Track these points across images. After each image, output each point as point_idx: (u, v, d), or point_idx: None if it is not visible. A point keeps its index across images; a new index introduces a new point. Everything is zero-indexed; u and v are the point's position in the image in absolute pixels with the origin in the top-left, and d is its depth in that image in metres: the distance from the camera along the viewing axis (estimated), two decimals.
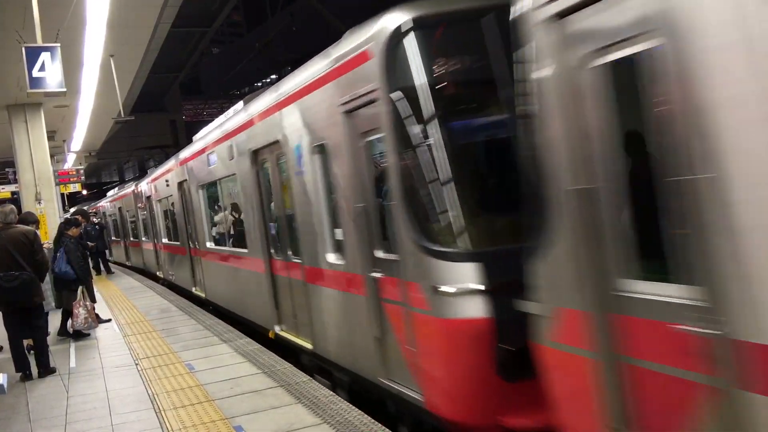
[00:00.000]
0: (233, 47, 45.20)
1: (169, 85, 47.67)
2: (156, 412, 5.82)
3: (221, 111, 45.80)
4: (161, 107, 49.52)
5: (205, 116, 51.95)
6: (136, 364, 7.76)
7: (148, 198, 17.55)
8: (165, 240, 16.18)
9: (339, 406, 5.41)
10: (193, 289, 13.17)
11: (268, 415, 5.42)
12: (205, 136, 10.96)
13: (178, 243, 14.18)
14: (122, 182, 48.16)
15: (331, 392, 5.87)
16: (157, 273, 18.03)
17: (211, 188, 11.24)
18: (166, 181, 14.42)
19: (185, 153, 12.58)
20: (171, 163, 14.11)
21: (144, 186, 18.57)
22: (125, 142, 42.82)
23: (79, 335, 9.93)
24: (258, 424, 5.20)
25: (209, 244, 11.34)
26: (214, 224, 11.53)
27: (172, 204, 14.17)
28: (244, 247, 8.91)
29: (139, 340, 9.26)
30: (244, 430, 5.09)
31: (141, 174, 41.42)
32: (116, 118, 19.72)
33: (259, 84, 44.82)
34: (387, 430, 4.79)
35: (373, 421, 4.97)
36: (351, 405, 5.42)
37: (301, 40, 26.78)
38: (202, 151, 10.76)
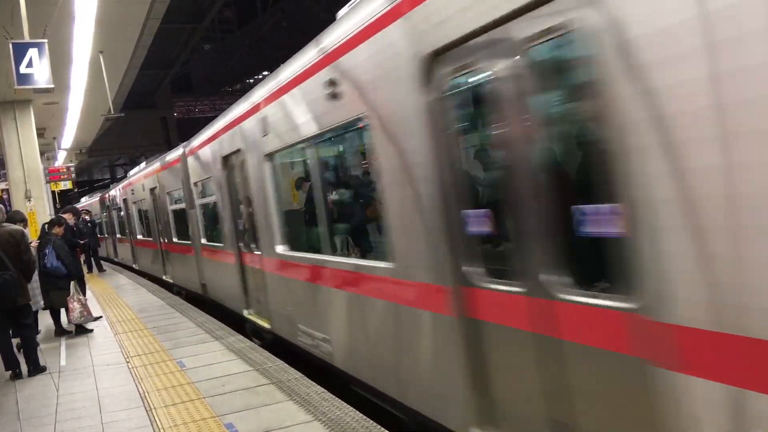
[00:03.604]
0: (224, 44, 44.92)
1: (159, 82, 47.42)
2: (146, 411, 5.78)
3: (213, 108, 45.39)
4: (152, 104, 49.28)
5: (196, 113, 51.70)
6: (127, 362, 7.72)
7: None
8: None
9: (331, 403, 5.39)
10: None
11: (259, 412, 5.39)
12: None
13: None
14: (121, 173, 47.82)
15: (323, 389, 5.84)
16: None
17: None
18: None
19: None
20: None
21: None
22: (116, 140, 42.68)
23: (80, 330, 9.87)
24: (249, 422, 5.17)
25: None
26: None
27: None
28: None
29: (130, 338, 9.21)
30: (235, 428, 5.07)
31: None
32: (106, 115, 19.65)
33: (251, 81, 44.62)
34: (378, 426, 4.78)
35: (364, 417, 4.96)
36: (343, 402, 5.40)
37: (292, 36, 26.66)
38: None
